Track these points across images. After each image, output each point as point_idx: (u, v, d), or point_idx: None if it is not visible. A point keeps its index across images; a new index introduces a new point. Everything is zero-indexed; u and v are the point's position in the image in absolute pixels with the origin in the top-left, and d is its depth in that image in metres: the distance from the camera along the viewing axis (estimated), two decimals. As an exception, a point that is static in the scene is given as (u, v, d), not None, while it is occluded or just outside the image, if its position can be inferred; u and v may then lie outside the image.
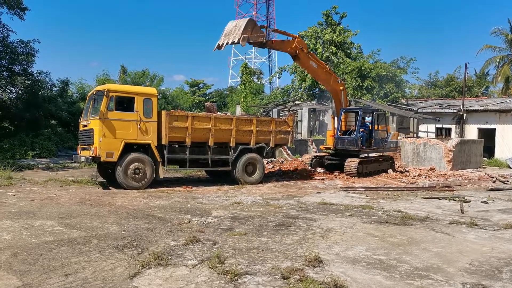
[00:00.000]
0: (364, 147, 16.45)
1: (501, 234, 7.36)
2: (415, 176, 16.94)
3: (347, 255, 5.78)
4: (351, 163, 15.92)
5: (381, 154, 18.05)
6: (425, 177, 16.69)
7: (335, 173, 16.41)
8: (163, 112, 12.32)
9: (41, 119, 21.79)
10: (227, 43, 13.56)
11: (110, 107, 11.57)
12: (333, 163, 17.27)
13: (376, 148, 17.13)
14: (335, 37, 29.58)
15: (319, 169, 17.08)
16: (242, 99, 35.41)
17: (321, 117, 30.01)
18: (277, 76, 43.19)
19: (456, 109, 28.64)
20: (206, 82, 48.97)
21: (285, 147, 19.18)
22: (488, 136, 26.32)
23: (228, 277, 4.75)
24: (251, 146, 13.77)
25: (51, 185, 12.20)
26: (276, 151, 18.02)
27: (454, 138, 22.65)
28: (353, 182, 14.78)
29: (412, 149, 20.69)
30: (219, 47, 13.77)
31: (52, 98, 23.42)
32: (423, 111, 29.96)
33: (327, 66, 17.55)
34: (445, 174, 17.95)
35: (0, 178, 12.41)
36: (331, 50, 29.51)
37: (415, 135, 27.87)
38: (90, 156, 11.77)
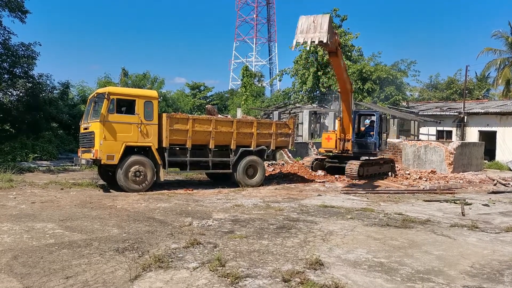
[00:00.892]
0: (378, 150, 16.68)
1: (502, 237, 7.34)
2: (416, 178, 16.92)
3: (348, 258, 5.77)
4: (352, 166, 15.91)
5: (382, 156, 18.06)
6: (426, 180, 16.67)
7: (336, 176, 16.41)
8: (164, 114, 12.33)
9: (42, 122, 21.82)
10: (313, 42, 12.01)
11: (111, 109, 11.58)
12: (333, 166, 17.27)
13: (381, 151, 17.30)
14: (335, 39, 29.58)
15: (320, 172, 17.08)
16: (242, 102, 35.41)
17: (321, 119, 30.01)
18: (278, 78, 43.25)
19: (457, 112, 28.64)
20: (207, 84, 49.23)
21: (286, 149, 19.15)
22: (489, 139, 26.31)
23: (229, 280, 4.74)
24: (251, 148, 13.77)
25: (52, 187, 12.20)
26: (276, 154, 18.02)
27: (455, 141, 22.62)
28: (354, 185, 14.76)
29: (413, 152, 20.68)
30: (299, 45, 12.34)
31: (53, 100, 23.45)
32: (424, 113, 29.96)
33: None
34: (446, 176, 17.93)
35: (1, 181, 12.40)
36: (331, 52, 29.50)
37: (416, 137, 27.85)
38: (91, 158, 11.77)
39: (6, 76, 19.96)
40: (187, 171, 13.29)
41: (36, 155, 19.22)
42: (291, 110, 30.59)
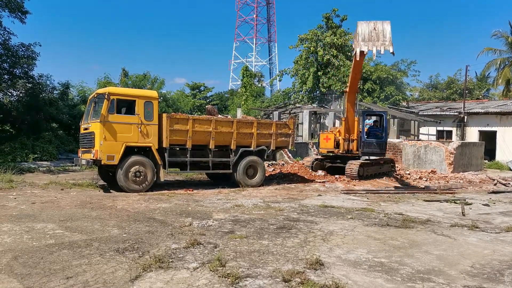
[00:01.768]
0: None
1: (502, 236, 7.34)
2: (416, 178, 16.93)
3: (348, 258, 5.76)
4: (352, 166, 15.93)
5: (383, 156, 18.06)
6: (426, 180, 16.67)
7: (336, 176, 16.42)
8: (164, 115, 12.33)
9: (42, 122, 21.84)
10: (378, 51, 11.75)
11: (111, 110, 11.58)
12: (334, 166, 17.28)
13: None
14: (335, 39, 29.62)
15: (320, 172, 17.09)
16: (243, 102, 35.40)
17: (322, 119, 30.00)
18: (278, 79, 43.24)
19: (457, 112, 28.65)
20: (207, 85, 49.21)
21: (286, 150, 19.16)
22: (489, 139, 26.32)
23: (229, 280, 4.74)
24: (252, 149, 13.77)
25: (52, 188, 12.20)
26: (277, 154, 18.01)
27: (455, 141, 22.63)
28: (354, 185, 14.78)
29: (413, 152, 20.68)
30: (363, 55, 12.12)
31: (53, 101, 23.47)
32: (424, 113, 29.97)
33: None
34: (446, 176, 17.93)
35: (1, 181, 12.41)
36: (331, 53, 29.54)
37: (416, 137, 27.86)
38: (91, 159, 11.78)
39: (6, 76, 19.98)
40: (187, 171, 13.29)
41: (36, 155, 19.23)
42: (291, 110, 30.59)
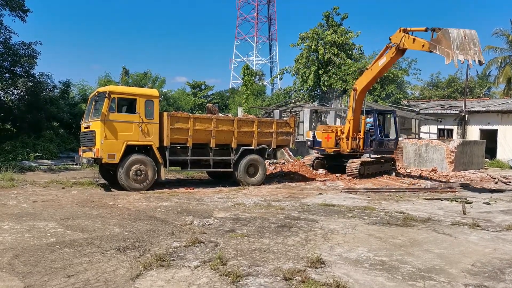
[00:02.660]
0: None
1: (503, 235, 7.34)
2: (417, 177, 16.91)
3: (349, 257, 5.77)
4: (353, 164, 15.92)
5: (383, 155, 18.06)
6: (427, 179, 16.66)
7: (337, 175, 16.41)
8: (165, 113, 12.33)
9: (42, 121, 21.85)
10: (473, 61, 12.01)
11: (111, 108, 11.59)
12: (334, 165, 17.27)
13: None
14: (336, 38, 29.57)
15: (320, 171, 17.08)
16: (243, 101, 35.39)
17: (322, 118, 29.98)
18: (278, 77, 43.14)
19: (458, 110, 28.61)
20: (207, 83, 49.17)
21: (287, 148, 19.16)
22: (490, 137, 26.29)
23: (230, 278, 4.74)
24: (252, 147, 13.76)
25: (53, 186, 12.21)
26: (277, 153, 18.00)
27: (456, 139, 22.61)
28: (355, 184, 14.77)
29: (414, 150, 20.67)
30: (457, 63, 11.97)
31: (54, 99, 23.48)
32: (425, 112, 29.94)
33: None
34: (447, 175, 17.92)
35: (2, 180, 12.43)
36: (332, 51, 29.49)
37: (417, 136, 27.84)
38: (91, 157, 11.79)
39: (7, 75, 19.99)
40: (188, 170, 13.30)
41: (37, 154, 19.24)
42: (292, 109, 30.57)
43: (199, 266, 5.19)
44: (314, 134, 17.43)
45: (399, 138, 22.18)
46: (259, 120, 14.28)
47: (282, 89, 39.66)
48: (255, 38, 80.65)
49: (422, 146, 20.43)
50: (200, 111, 37.65)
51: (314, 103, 31.41)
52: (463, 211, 9.56)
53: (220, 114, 14.56)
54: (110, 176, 13.04)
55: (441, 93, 42.16)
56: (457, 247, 6.44)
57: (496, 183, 16.12)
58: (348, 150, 16.69)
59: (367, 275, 5.02)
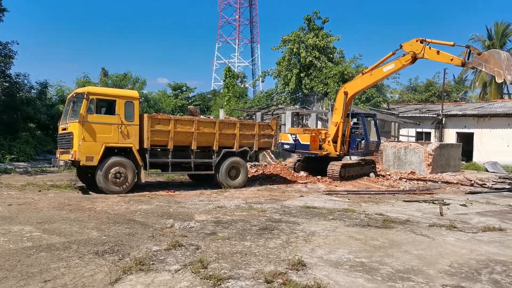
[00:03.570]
0: None
1: (479, 236, 7.49)
2: (396, 179, 17.16)
3: (330, 258, 5.80)
4: (334, 167, 16.06)
5: (363, 158, 18.28)
6: (405, 181, 16.91)
7: (318, 177, 16.52)
8: (145, 115, 12.21)
9: (19, 122, 21.40)
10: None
11: (90, 110, 11.41)
12: (316, 167, 17.37)
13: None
14: (317, 41, 29.82)
15: (302, 173, 17.16)
16: (225, 103, 35.32)
17: (304, 121, 30.15)
18: (260, 80, 43.21)
19: (435, 114, 29.18)
20: (189, 85, 48.67)
21: (269, 151, 19.20)
22: (466, 140, 26.88)
23: (211, 281, 4.71)
24: (234, 150, 13.74)
25: (29, 189, 11.94)
26: (259, 155, 18.03)
27: (434, 142, 23.04)
28: (336, 186, 14.89)
29: (393, 153, 20.97)
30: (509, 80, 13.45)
31: (31, 100, 23.03)
32: (404, 115, 30.43)
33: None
34: (425, 177, 18.23)
35: (-24, 183, 12.09)
36: (314, 54, 29.72)
37: (396, 139, 28.26)
38: (69, 160, 11.57)
39: (-18, 75, 19.51)
40: (169, 172, 13.19)
41: (13, 156, 18.82)
42: (273, 111, 30.65)
43: (179, 270, 5.14)
44: (296, 137, 17.23)
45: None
46: (241, 123, 14.27)
47: (264, 92, 39.73)
48: (237, 40, 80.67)
49: (401, 149, 20.75)
50: (181, 113, 37.38)
51: (295, 106, 31.57)
52: (440, 212, 9.74)
53: (201, 116, 14.49)
54: (88, 179, 12.83)
55: (419, 97, 42.92)
56: (434, 248, 6.55)
57: (472, 185, 16.48)
58: (337, 153, 16.85)
59: (348, 277, 5.06)
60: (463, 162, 25.13)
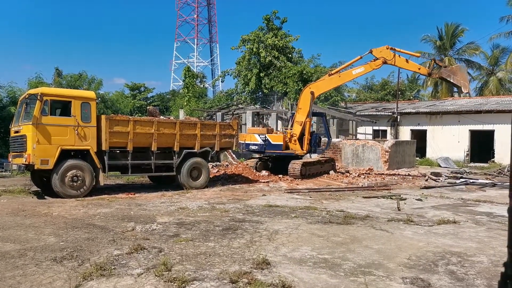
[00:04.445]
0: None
1: (435, 229, 7.82)
2: (355, 176, 17.60)
3: (293, 256, 5.87)
4: (295, 165, 16.25)
5: (323, 156, 18.65)
6: (364, 177, 17.37)
7: (280, 176, 16.66)
8: (103, 116, 11.88)
9: (-34, 125, 20.23)
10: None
11: (44, 111, 10.99)
12: (277, 166, 17.52)
13: None
14: (276, 41, 30.07)
15: (263, 172, 17.26)
16: (185, 103, 34.93)
17: (264, 120, 30.34)
18: (220, 79, 43.18)
19: (390, 112, 30.15)
20: (147, 85, 47.72)
21: (230, 151, 19.17)
22: (420, 137, 27.96)
23: (175, 284, 4.65)
24: (195, 150, 13.62)
25: (-21, 196, 11.33)
26: (221, 155, 17.97)
27: (390, 140, 23.80)
28: (297, 184, 15.08)
29: (351, 151, 21.48)
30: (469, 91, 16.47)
31: (-21, 102, 21.82)
32: (361, 114, 31.24)
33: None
34: (382, 174, 18.80)
35: None
36: (273, 54, 29.96)
37: (354, 137, 28.96)
38: (23, 163, 11.08)
39: None
40: (129, 174, 12.91)
41: (-40, 161, 17.78)
42: (234, 111, 30.64)
43: (142, 274, 5.04)
44: (265, 137, 17.12)
45: (337, 139, 23.10)
46: (202, 123, 14.17)
47: (224, 92, 39.67)
48: (195, 40, 79.96)
49: (359, 147, 21.29)
50: (140, 114, 36.64)
51: (256, 106, 31.71)
52: (397, 207, 10.08)
53: (161, 117, 14.26)
54: (43, 183, 12.34)
55: (376, 96, 44.19)
56: (393, 242, 6.77)
57: (426, 180, 17.15)
58: (304, 151, 17.19)
59: (311, 273, 5.14)
60: (418, 158, 26.11)
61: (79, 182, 11.32)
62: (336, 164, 19.55)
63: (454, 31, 41.51)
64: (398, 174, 18.61)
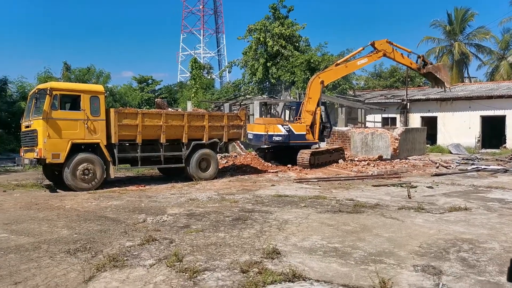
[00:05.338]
0: None
1: (446, 216, 7.78)
2: (365, 165, 17.52)
3: (303, 245, 5.89)
4: (304, 155, 16.22)
5: (332, 145, 18.61)
6: (373, 166, 17.30)
7: (288, 166, 16.65)
8: (112, 110, 11.94)
9: (-22, 121, 20.51)
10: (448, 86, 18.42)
11: (54, 106, 11.07)
12: (285, 156, 17.47)
13: None
14: (283, 30, 29.86)
15: (272, 162, 17.25)
16: (192, 95, 34.96)
17: (272, 110, 30.27)
18: (227, 70, 42.94)
19: (400, 99, 29.88)
20: (155, 78, 47.94)
21: (238, 141, 19.16)
22: (430, 124, 27.71)
23: (187, 274, 4.71)
24: (204, 141, 13.65)
25: (-8, 190, 11.50)
26: (229, 146, 17.96)
27: (399, 127, 23.62)
28: (306, 174, 15.07)
29: (360, 139, 21.36)
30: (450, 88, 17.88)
31: (-11, 98, 22.08)
32: (370, 101, 31.00)
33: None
34: (392, 161, 18.71)
35: None
36: (280, 43, 29.76)
37: (363, 125, 28.78)
38: (34, 158, 11.21)
39: None
40: (138, 167, 13.00)
41: (-27, 156, 18.05)
42: (241, 102, 30.59)
43: (154, 264, 5.11)
44: (289, 127, 16.72)
45: (346, 128, 23.03)
46: (210, 114, 14.19)
47: (231, 82, 39.55)
48: (201, 31, 79.83)
49: (368, 135, 21.16)
50: (148, 106, 36.76)
51: (263, 96, 31.62)
52: (408, 195, 10.03)
53: (169, 109, 14.29)
54: (55, 176, 12.48)
55: (384, 83, 43.77)
56: (404, 230, 6.76)
57: (437, 167, 17.03)
58: (317, 140, 17.65)
59: (322, 262, 5.16)
60: (428, 145, 25.91)
61: (90, 175, 11.43)
62: (345, 153, 19.47)
63: (464, 16, 40.87)
64: (408, 162, 18.51)
